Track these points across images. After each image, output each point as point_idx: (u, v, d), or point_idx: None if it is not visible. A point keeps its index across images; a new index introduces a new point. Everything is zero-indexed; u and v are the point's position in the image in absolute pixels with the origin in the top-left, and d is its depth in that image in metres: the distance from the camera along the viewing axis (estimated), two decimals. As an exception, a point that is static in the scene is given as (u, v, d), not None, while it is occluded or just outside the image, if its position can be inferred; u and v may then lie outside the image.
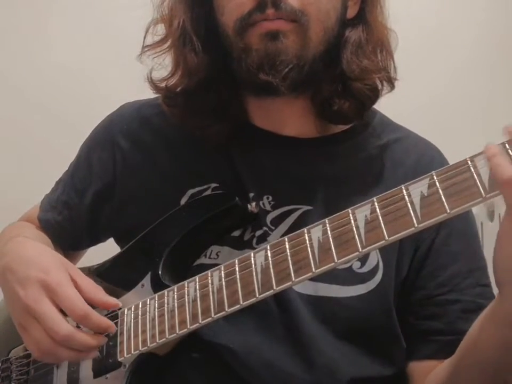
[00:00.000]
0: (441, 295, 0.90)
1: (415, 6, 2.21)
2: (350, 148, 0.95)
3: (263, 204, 0.91)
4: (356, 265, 0.88)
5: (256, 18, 0.85)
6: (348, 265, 0.87)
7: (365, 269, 0.88)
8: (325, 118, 0.94)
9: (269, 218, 0.90)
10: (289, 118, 0.95)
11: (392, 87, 0.94)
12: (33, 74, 2.07)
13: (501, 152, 0.64)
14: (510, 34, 2.30)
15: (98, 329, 0.83)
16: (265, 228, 0.89)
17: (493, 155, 0.63)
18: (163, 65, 0.96)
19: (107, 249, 1.01)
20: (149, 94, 0.99)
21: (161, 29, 0.96)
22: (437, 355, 0.89)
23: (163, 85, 0.96)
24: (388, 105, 0.99)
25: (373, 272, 0.88)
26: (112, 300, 0.85)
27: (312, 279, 0.82)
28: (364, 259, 0.88)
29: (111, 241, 1.05)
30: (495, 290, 0.90)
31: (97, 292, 0.85)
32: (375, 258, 0.88)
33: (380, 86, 0.93)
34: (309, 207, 0.90)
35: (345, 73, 0.90)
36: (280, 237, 0.80)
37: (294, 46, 0.85)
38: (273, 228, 0.89)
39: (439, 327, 0.89)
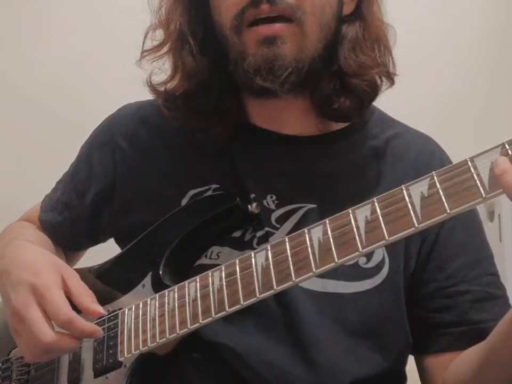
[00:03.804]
0: (451, 287, 0.90)
1: (416, 7, 2.21)
2: (350, 145, 0.96)
3: (267, 203, 0.91)
4: (362, 260, 0.88)
5: (250, 14, 0.84)
6: (354, 261, 0.87)
7: (371, 264, 0.88)
8: (325, 116, 0.94)
9: (274, 217, 0.90)
10: (289, 118, 0.95)
11: (391, 82, 0.94)
12: (33, 73, 2.07)
13: (510, 169, 0.62)
14: (511, 36, 2.30)
15: (82, 335, 0.81)
16: (267, 228, 0.90)
17: (503, 172, 0.62)
18: (163, 70, 0.96)
19: (108, 250, 1.02)
20: (150, 93, 1.00)
21: (159, 35, 0.96)
22: (452, 347, 0.89)
23: (162, 88, 0.96)
24: (389, 105, 0.99)
25: (379, 267, 0.88)
26: (94, 307, 0.83)
27: (319, 275, 0.82)
28: (369, 255, 0.88)
29: (111, 241, 1.05)
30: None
31: (84, 297, 0.84)
32: (380, 253, 0.89)
33: (378, 82, 0.92)
34: (313, 205, 0.90)
35: (342, 70, 0.90)
36: (285, 235, 0.80)
37: (292, 50, 0.85)
38: (278, 226, 0.90)
39: (452, 319, 0.90)
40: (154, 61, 0.96)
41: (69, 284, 0.84)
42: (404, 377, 0.96)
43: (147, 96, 1.00)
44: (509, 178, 0.62)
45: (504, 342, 0.79)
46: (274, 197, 0.91)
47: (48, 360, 0.87)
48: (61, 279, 0.84)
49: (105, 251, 1.01)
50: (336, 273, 0.86)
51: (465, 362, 0.87)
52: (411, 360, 0.96)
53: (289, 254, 0.74)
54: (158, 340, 0.81)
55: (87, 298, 0.84)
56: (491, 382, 0.84)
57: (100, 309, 0.84)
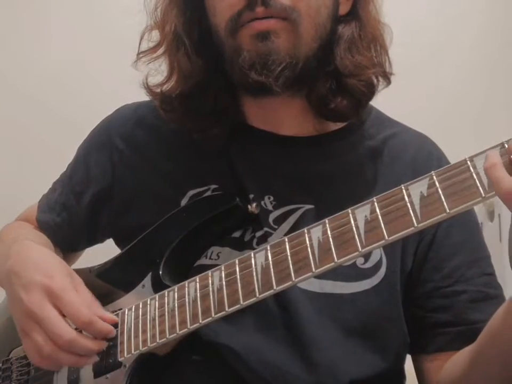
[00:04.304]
0: (448, 287, 0.90)
1: (415, 6, 2.21)
2: (348, 145, 0.96)
3: (265, 203, 0.91)
4: (360, 261, 0.88)
5: (246, 17, 0.85)
6: (352, 261, 0.87)
7: (369, 264, 0.88)
8: (322, 116, 0.94)
9: (271, 217, 0.90)
10: (286, 118, 0.95)
11: (388, 82, 0.94)
12: (32, 73, 2.07)
13: (499, 162, 0.63)
14: (510, 36, 2.31)
15: (100, 335, 0.83)
16: (266, 229, 0.90)
17: (491, 165, 0.63)
18: (159, 71, 0.96)
19: (107, 250, 1.02)
20: (146, 95, 0.99)
21: (156, 35, 0.96)
22: (449, 347, 0.89)
23: (159, 90, 0.96)
24: (388, 105, 0.99)
25: (377, 267, 0.88)
26: (109, 315, 0.85)
27: (317, 276, 0.82)
28: (367, 255, 0.88)
29: (111, 241, 1.05)
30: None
31: (95, 302, 0.85)
32: (378, 253, 0.89)
33: (375, 82, 0.92)
34: (311, 206, 0.90)
35: (338, 70, 0.90)
36: (283, 235, 0.80)
37: (285, 45, 0.85)
38: (276, 227, 0.90)
39: (448, 319, 0.90)
40: (150, 63, 0.96)
41: (79, 290, 0.85)
42: (403, 376, 0.96)
43: (146, 96, 1.00)
44: (498, 174, 0.62)
45: (492, 342, 0.79)
46: (271, 198, 0.91)
47: (53, 367, 0.87)
48: (72, 282, 0.85)
49: (105, 251, 1.01)
50: (334, 274, 0.86)
51: (457, 362, 0.87)
52: (411, 359, 0.96)
53: (288, 254, 0.74)
54: (158, 340, 0.81)
55: (97, 304, 0.85)
56: (480, 381, 0.84)
57: (113, 317, 0.86)
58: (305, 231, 0.75)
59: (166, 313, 0.82)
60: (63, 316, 0.82)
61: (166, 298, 0.83)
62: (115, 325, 0.86)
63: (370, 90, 0.92)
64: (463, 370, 0.85)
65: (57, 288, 0.82)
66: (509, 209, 0.63)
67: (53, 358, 0.82)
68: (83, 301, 0.83)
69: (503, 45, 2.30)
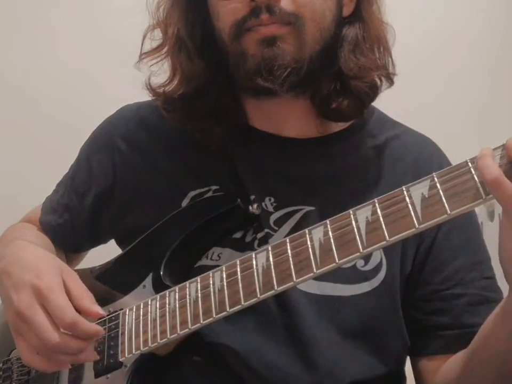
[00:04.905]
0: (447, 290, 0.90)
1: (416, 6, 2.21)
2: (349, 146, 0.96)
3: (265, 205, 0.91)
4: (360, 263, 0.88)
5: (251, 23, 0.85)
6: (352, 263, 0.87)
7: (369, 266, 0.88)
8: (325, 117, 0.94)
9: (272, 219, 0.90)
10: (289, 119, 0.95)
11: (391, 83, 0.94)
12: (33, 74, 2.07)
13: (489, 154, 0.65)
14: (511, 35, 2.30)
15: (86, 336, 0.81)
16: (267, 230, 0.90)
17: (481, 156, 0.65)
18: (162, 70, 0.96)
19: (109, 251, 1.02)
20: (149, 95, 0.99)
21: (158, 34, 0.96)
22: (446, 350, 0.89)
23: (161, 90, 0.96)
24: (389, 105, 0.99)
25: (377, 269, 0.89)
26: (95, 309, 0.83)
27: (317, 278, 0.82)
28: (367, 257, 0.88)
29: (112, 242, 1.05)
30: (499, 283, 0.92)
31: (85, 298, 0.83)
32: (378, 256, 0.89)
33: (378, 83, 0.93)
34: (311, 208, 0.90)
35: (343, 72, 0.90)
36: (284, 237, 0.80)
37: (291, 49, 0.85)
38: (276, 228, 0.90)
39: (447, 322, 0.90)
40: (152, 65, 0.96)
41: (69, 286, 0.84)
42: (403, 378, 0.96)
43: (148, 97, 1.00)
44: (485, 162, 0.64)
45: (484, 345, 0.80)
46: (272, 199, 0.91)
47: (49, 368, 0.86)
48: (61, 280, 0.84)
49: (106, 252, 1.01)
50: (334, 276, 0.86)
51: (452, 364, 0.87)
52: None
53: (290, 255, 0.74)
54: (158, 340, 0.82)
55: (87, 299, 0.84)
56: (473, 382, 0.84)
57: (100, 310, 0.84)
58: (307, 231, 0.75)
59: (167, 314, 0.82)
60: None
61: (167, 298, 0.83)
62: (116, 325, 0.86)
63: (374, 91, 0.92)
64: (457, 373, 0.85)
65: (44, 288, 0.81)
66: (494, 197, 0.64)
67: (51, 358, 0.82)
68: (69, 303, 0.81)
69: (505, 45, 2.30)
